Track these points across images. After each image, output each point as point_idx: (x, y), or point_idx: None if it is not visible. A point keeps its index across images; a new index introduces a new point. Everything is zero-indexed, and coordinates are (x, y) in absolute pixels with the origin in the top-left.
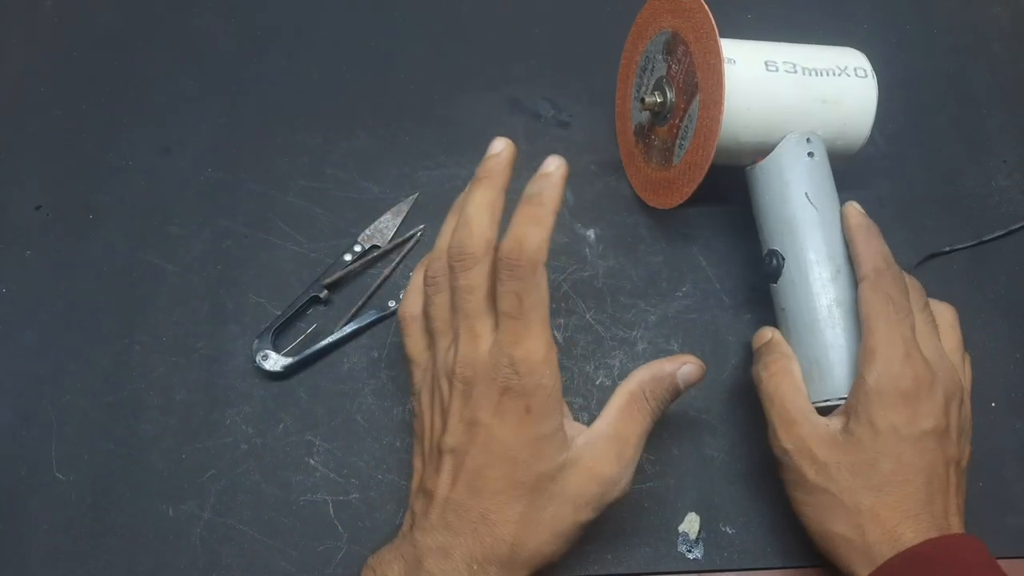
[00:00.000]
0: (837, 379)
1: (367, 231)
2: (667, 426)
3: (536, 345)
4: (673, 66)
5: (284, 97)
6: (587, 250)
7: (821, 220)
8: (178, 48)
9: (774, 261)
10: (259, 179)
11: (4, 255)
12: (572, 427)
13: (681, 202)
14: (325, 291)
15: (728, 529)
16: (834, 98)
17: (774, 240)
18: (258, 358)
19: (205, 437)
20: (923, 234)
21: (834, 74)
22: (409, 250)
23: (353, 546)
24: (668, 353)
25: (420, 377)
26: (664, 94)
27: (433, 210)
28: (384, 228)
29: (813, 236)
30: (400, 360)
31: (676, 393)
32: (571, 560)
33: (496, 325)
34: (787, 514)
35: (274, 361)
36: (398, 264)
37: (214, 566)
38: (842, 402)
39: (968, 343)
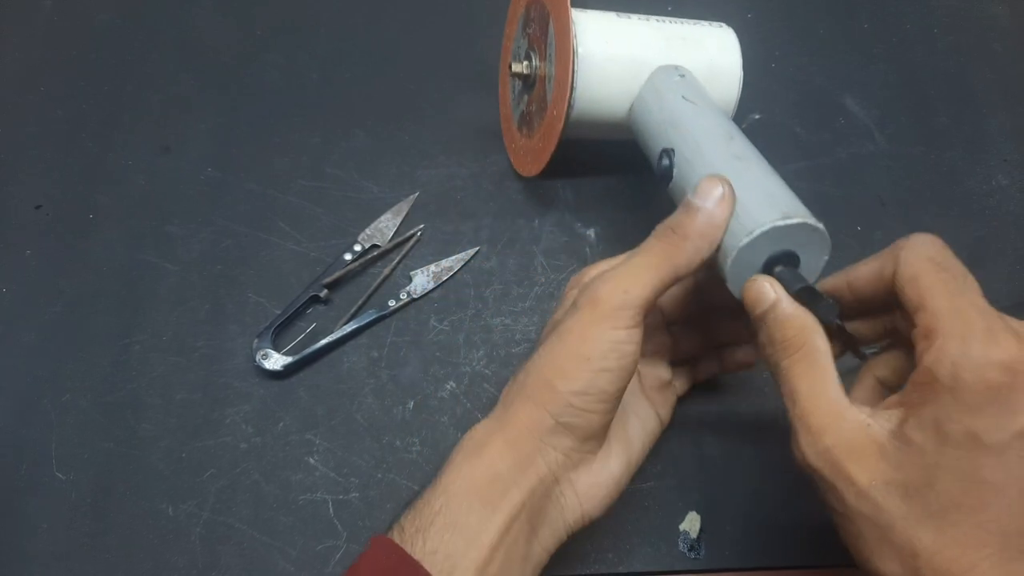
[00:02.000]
0: (754, 211)
1: (367, 231)
2: (668, 426)
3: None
4: (536, 33)
5: (284, 97)
6: (587, 250)
7: (704, 111)
8: (178, 48)
9: (665, 159)
10: (259, 179)
11: (4, 255)
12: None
13: (541, 168)
14: (325, 290)
15: (729, 528)
16: (694, 38)
17: (661, 143)
18: (258, 357)
19: (205, 436)
20: None
21: (689, 24)
22: (409, 250)
23: (353, 545)
24: None
25: None
26: (530, 61)
27: (433, 210)
28: (384, 228)
29: (699, 120)
30: (400, 359)
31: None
32: (572, 559)
33: None
34: (788, 513)
35: (274, 360)
36: (398, 264)
37: (214, 565)
38: (762, 229)
39: None
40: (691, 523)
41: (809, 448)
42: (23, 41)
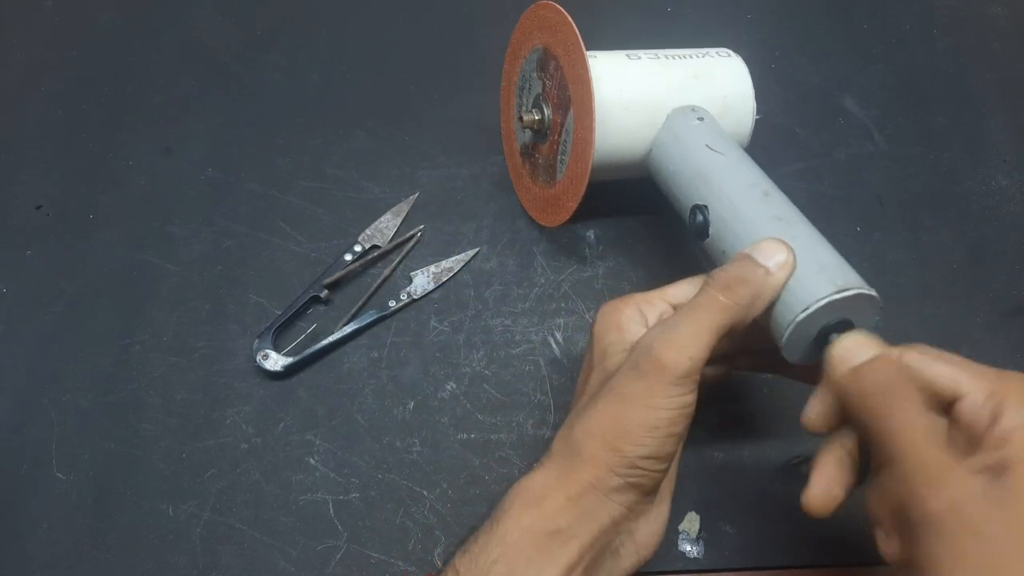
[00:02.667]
0: (808, 281)
1: (367, 231)
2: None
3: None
4: (547, 82)
5: (284, 97)
6: (587, 250)
7: (730, 161)
8: (178, 48)
9: (699, 216)
10: (259, 179)
11: (4, 255)
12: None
13: (567, 218)
14: (325, 291)
15: (728, 528)
16: (705, 74)
17: (692, 198)
18: (258, 358)
19: (205, 436)
20: (923, 234)
21: (697, 57)
22: (409, 250)
23: (353, 545)
24: None
25: None
26: (542, 111)
27: (433, 210)
28: (384, 228)
29: (728, 174)
30: (400, 360)
31: None
32: None
33: None
34: (787, 513)
35: (274, 361)
36: (398, 264)
37: (214, 565)
38: (819, 304)
39: (970, 345)
40: (691, 523)
41: (932, 496)
42: (24, 41)
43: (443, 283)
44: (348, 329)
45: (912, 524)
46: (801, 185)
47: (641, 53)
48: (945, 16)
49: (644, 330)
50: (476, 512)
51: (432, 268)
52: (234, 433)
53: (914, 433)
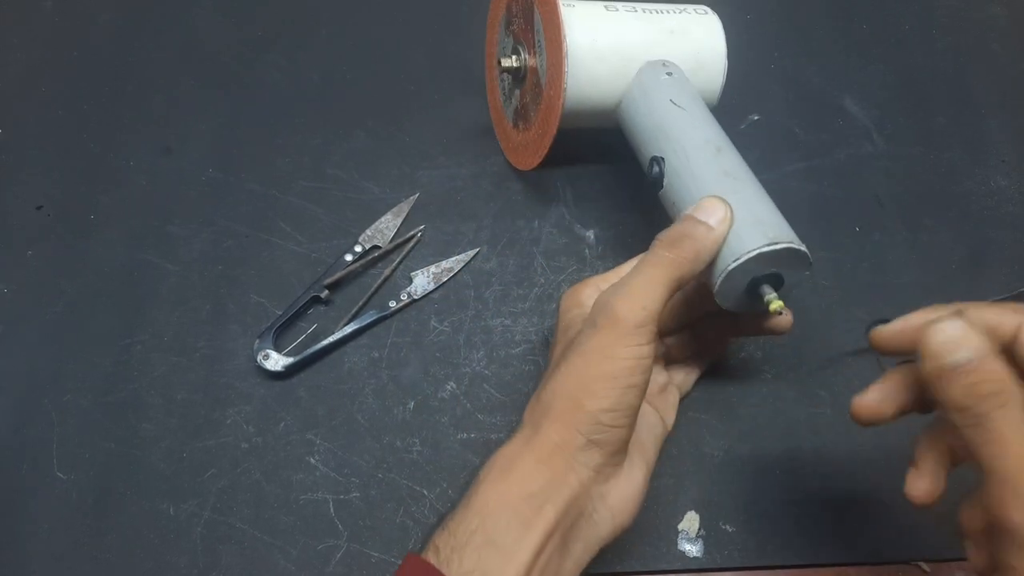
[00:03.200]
0: (743, 233)
1: (368, 231)
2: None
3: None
4: (525, 28)
5: (284, 97)
6: (587, 250)
7: (691, 116)
8: (178, 48)
9: (655, 167)
10: (259, 179)
11: (4, 255)
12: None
13: (538, 161)
14: (326, 291)
15: (728, 527)
16: (680, 29)
17: (652, 150)
18: (259, 358)
19: (206, 436)
20: (923, 234)
21: (675, 12)
22: (410, 250)
23: (353, 545)
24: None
25: None
26: (520, 56)
27: (433, 210)
28: (385, 228)
29: (686, 128)
30: (400, 360)
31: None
32: None
33: None
34: (787, 513)
35: (275, 361)
36: (398, 264)
37: (214, 565)
38: (750, 255)
39: None
40: (690, 523)
41: (1012, 510)
42: (24, 41)
43: (443, 283)
44: (348, 329)
45: (999, 536)
46: (801, 185)
47: (619, 5)
48: (945, 16)
49: None
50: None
51: (432, 268)
52: (235, 433)
53: (1010, 448)
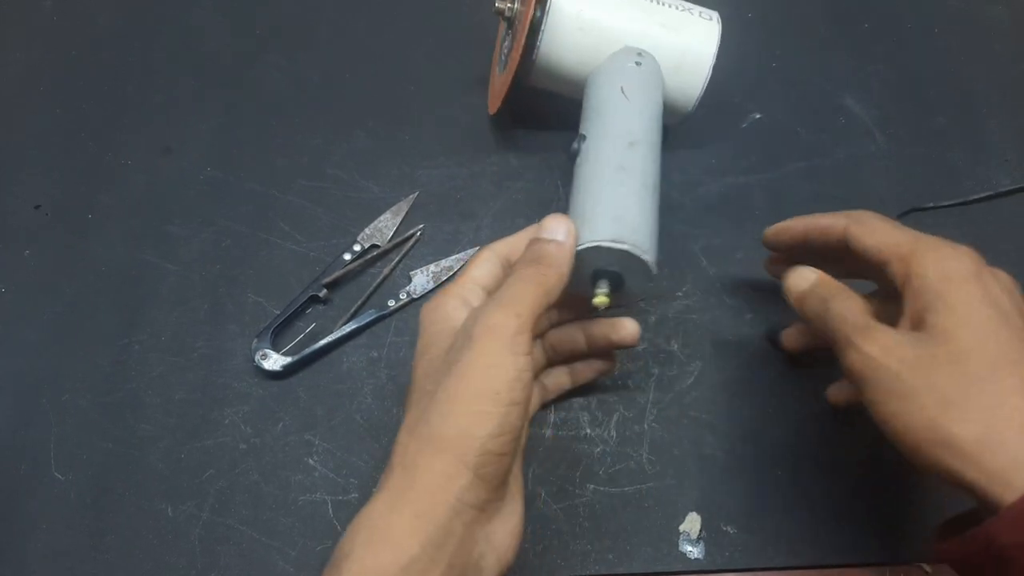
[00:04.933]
0: (600, 223)
1: (367, 230)
2: (667, 426)
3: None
4: None
5: (284, 97)
6: None
7: (627, 108)
8: (178, 48)
9: (576, 144)
10: (259, 179)
11: (4, 255)
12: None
13: (499, 103)
14: (324, 290)
15: (729, 528)
16: (674, 25)
17: (584, 127)
18: (257, 357)
19: (204, 437)
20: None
21: (677, 8)
22: (409, 249)
23: None
24: (667, 354)
25: None
26: (513, 1)
27: (433, 210)
28: (384, 227)
29: (616, 117)
30: (399, 359)
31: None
32: (572, 559)
33: None
34: (787, 514)
35: (273, 360)
36: (397, 263)
37: (213, 566)
38: (590, 244)
39: None
40: (691, 523)
41: (864, 342)
42: (23, 41)
43: (443, 282)
44: (347, 329)
45: (850, 376)
46: (801, 185)
47: None
48: (946, 16)
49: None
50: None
51: (432, 267)
52: (233, 433)
53: (849, 315)
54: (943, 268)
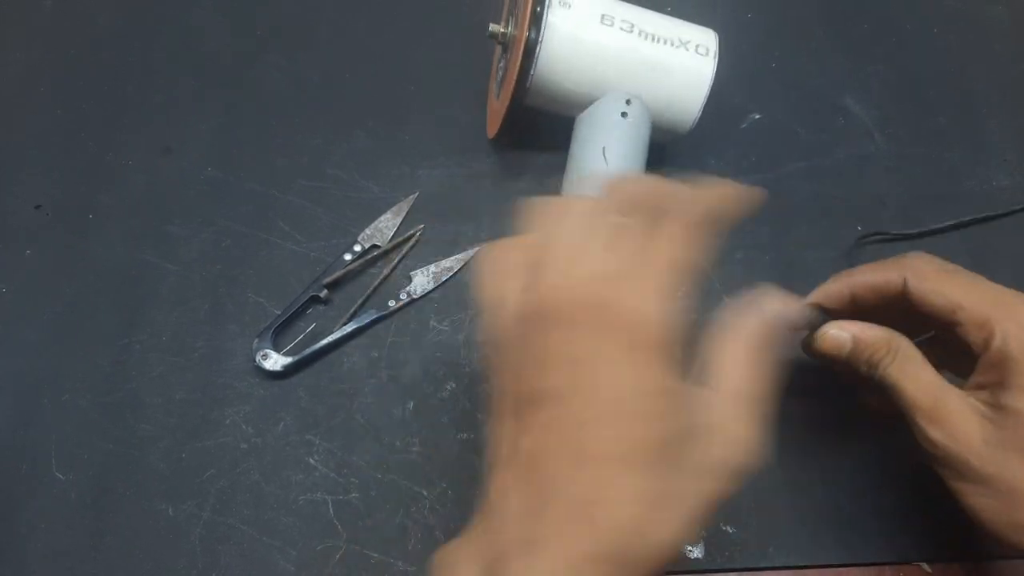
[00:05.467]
0: None
1: (367, 230)
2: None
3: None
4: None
5: (284, 97)
6: None
7: (608, 175)
8: (178, 48)
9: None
10: (259, 179)
11: (4, 254)
12: (699, 389)
13: (495, 129)
14: (325, 290)
15: (729, 528)
16: (664, 68)
17: (564, 185)
18: (258, 357)
19: (205, 436)
20: (923, 233)
21: (672, 44)
22: (409, 249)
23: (353, 546)
24: None
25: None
26: (508, 25)
27: (433, 210)
28: (384, 228)
29: (594, 185)
30: (400, 360)
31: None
32: None
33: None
34: (787, 513)
35: (274, 361)
36: (398, 263)
37: (213, 565)
38: None
39: None
40: None
41: (933, 428)
42: (23, 41)
43: (443, 283)
44: (348, 329)
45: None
46: (801, 185)
47: (619, 15)
48: (946, 16)
49: None
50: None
51: (432, 268)
52: (233, 433)
53: (908, 389)
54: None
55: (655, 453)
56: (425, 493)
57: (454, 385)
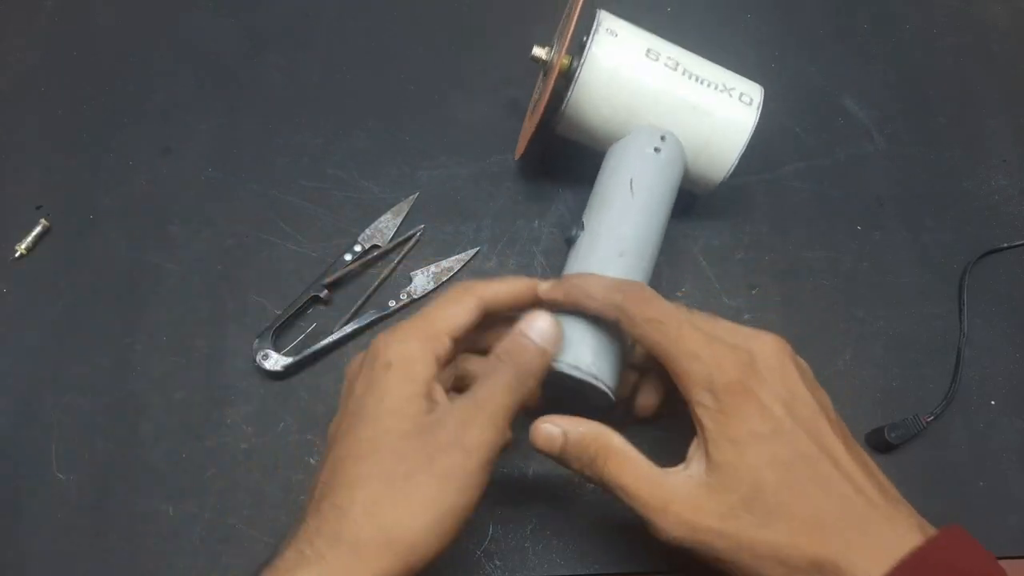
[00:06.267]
0: (580, 351)
1: (367, 231)
2: (667, 425)
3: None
4: (565, 24)
5: (284, 97)
6: None
7: (632, 207)
8: (178, 48)
9: (575, 231)
10: (259, 179)
11: (4, 255)
12: (447, 400)
13: (521, 150)
14: (325, 291)
15: None
16: (704, 109)
17: (587, 212)
18: (258, 358)
19: (205, 436)
20: (923, 234)
21: (716, 88)
22: (409, 250)
23: None
24: None
25: None
26: (551, 49)
27: (433, 210)
28: (384, 228)
29: (615, 216)
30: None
31: (540, 354)
32: (571, 559)
33: None
34: None
35: (274, 361)
36: (398, 264)
37: (214, 565)
38: (590, 378)
39: (968, 342)
40: None
41: (668, 524)
42: (23, 41)
43: (443, 283)
44: (348, 329)
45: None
46: (801, 185)
47: (664, 52)
48: (945, 16)
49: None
50: (476, 512)
51: (432, 268)
52: (234, 433)
53: (631, 488)
54: (713, 387)
55: (398, 450)
56: None
57: None
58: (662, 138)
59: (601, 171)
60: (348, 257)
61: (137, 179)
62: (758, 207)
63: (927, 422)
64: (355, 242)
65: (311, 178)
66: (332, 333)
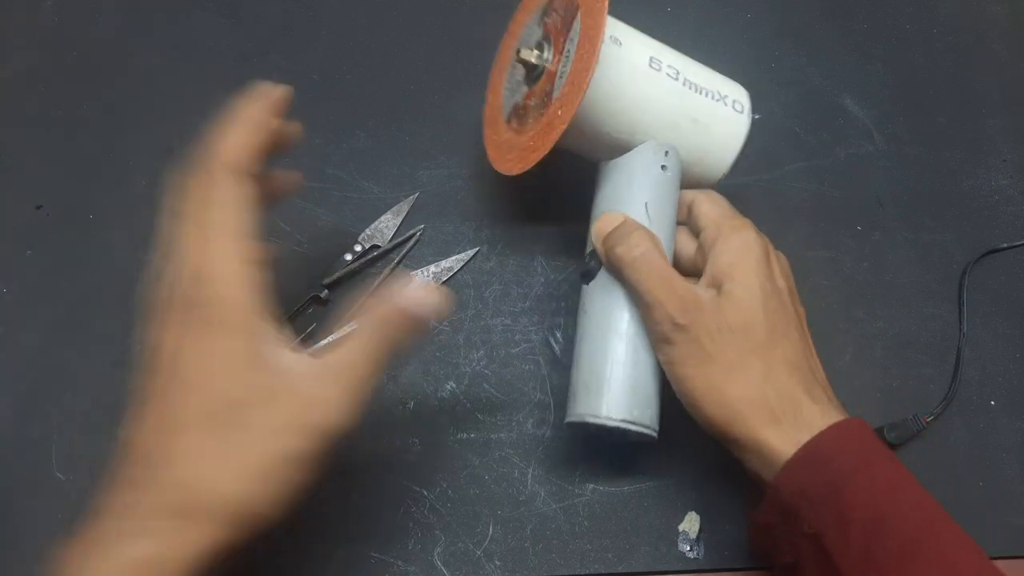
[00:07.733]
0: (614, 397)
1: (367, 231)
2: (667, 425)
3: (216, 254)
4: (553, 25)
5: None
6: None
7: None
8: (178, 48)
9: (592, 262)
10: None
11: (5, 255)
12: (287, 356)
13: (522, 170)
14: (325, 291)
15: (728, 528)
16: (705, 121)
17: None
18: None
19: None
20: (923, 233)
21: (713, 97)
22: (409, 250)
23: (353, 545)
24: None
25: None
26: (542, 53)
27: (433, 210)
28: (384, 228)
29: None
30: (399, 360)
31: (411, 318)
32: (571, 559)
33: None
34: None
35: None
36: (398, 264)
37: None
38: (617, 423)
39: (967, 342)
40: (691, 523)
41: (678, 310)
42: (23, 41)
43: (443, 283)
44: (348, 329)
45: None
46: (801, 185)
47: (666, 60)
48: (946, 16)
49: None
50: (476, 512)
51: (432, 268)
52: None
53: (654, 266)
54: (743, 243)
55: (222, 417)
56: (425, 493)
57: (454, 385)
58: (666, 154)
59: (604, 187)
60: (348, 257)
61: (137, 179)
62: (758, 207)
63: (927, 422)
64: (355, 242)
65: (311, 178)
66: (332, 333)
